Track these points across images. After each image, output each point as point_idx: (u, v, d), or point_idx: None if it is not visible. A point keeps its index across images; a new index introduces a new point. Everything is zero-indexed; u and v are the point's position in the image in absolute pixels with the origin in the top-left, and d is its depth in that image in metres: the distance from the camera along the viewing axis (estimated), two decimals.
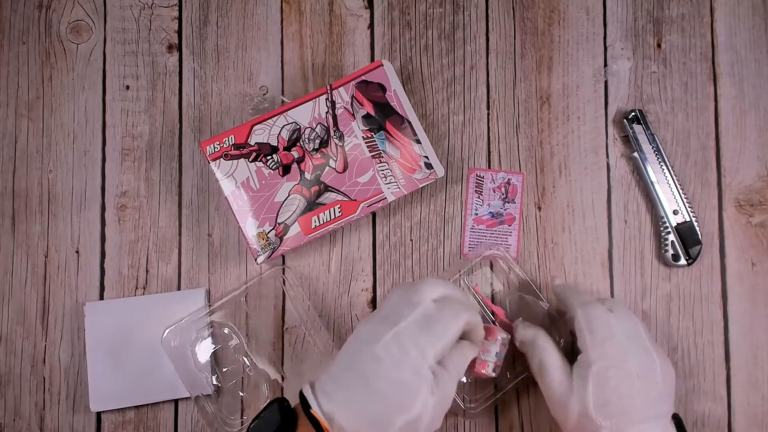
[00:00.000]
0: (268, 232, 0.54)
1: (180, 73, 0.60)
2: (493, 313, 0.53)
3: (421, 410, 0.36)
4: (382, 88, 0.55)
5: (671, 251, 0.56)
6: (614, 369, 0.41)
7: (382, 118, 0.54)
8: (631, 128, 0.57)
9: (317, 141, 0.54)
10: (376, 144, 0.54)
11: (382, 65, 0.55)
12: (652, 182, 0.56)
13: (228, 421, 0.55)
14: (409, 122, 0.54)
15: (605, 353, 0.41)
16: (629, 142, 0.57)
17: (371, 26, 0.60)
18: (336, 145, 0.54)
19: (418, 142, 0.54)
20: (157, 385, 0.55)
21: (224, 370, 0.56)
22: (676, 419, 0.43)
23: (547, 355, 0.44)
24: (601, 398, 0.40)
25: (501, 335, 0.47)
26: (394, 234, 0.58)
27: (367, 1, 0.60)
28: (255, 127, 0.54)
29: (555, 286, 0.51)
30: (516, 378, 0.53)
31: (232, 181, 0.54)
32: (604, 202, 0.58)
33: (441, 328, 0.38)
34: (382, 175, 0.54)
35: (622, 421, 0.40)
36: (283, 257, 0.58)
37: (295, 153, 0.54)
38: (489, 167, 0.58)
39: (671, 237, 0.56)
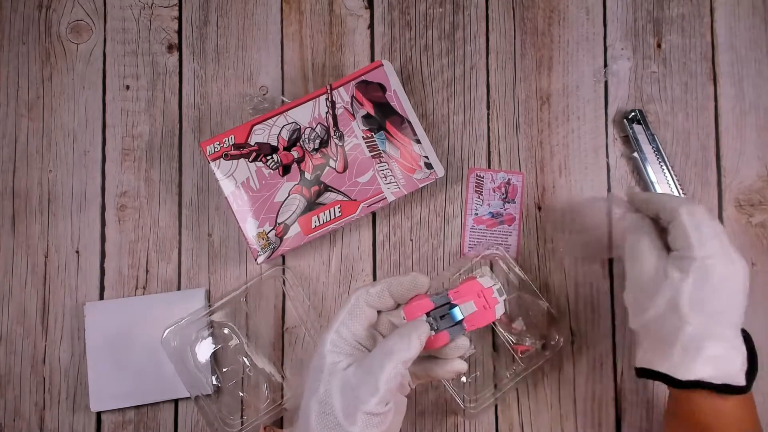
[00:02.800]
0: (268, 232, 0.54)
1: (180, 73, 0.60)
2: None
3: (323, 388, 0.35)
4: (382, 88, 0.55)
5: None
6: (720, 267, 0.39)
7: (382, 118, 0.54)
8: (631, 128, 0.57)
9: (317, 141, 0.54)
10: (376, 144, 0.54)
11: (382, 65, 0.55)
12: (652, 182, 0.56)
13: (228, 421, 0.55)
14: (409, 122, 0.54)
15: (712, 251, 0.39)
16: (629, 142, 0.57)
17: (371, 26, 0.60)
18: (336, 145, 0.54)
19: (418, 142, 0.54)
20: (157, 385, 0.55)
21: (224, 370, 0.56)
22: (744, 333, 0.41)
23: (648, 237, 0.42)
24: (699, 293, 0.38)
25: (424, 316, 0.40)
26: (394, 234, 0.58)
27: (367, 1, 0.60)
28: (255, 127, 0.54)
29: (637, 193, 0.47)
30: (516, 378, 0.53)
31: (232, 181, 0.54)
32: None
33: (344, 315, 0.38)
34: (382, 175, 0.54)
35: (712, 321, 0.38)
36: (283, 257, 0.58)
37: (295, 153, 0.54)
38: (489, 167, 0.58)
39: None
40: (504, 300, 0.39)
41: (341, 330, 0.37)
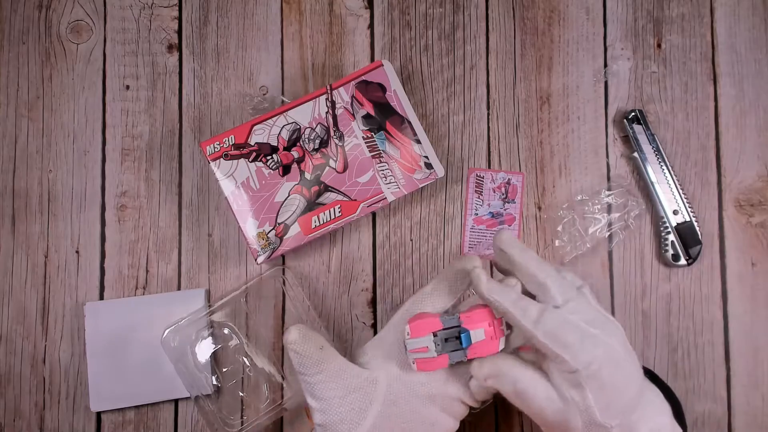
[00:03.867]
0: (268, 232, 0.54)
1: (180, 73, 0.60)
2: None
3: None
4: (382, 88, 0.55)
5: (671, 251, 0.56)
6: (604, 366, 0.36)
7: (382, 118, 0.54)
8: (631, 128, 0.57)
9: (317, 141, 0.54)
10: (376, 144, 0.54)
11: (382, 65, 0.55)
12: (652, 182, 0.56)
13: (228, 421, 0.55)
14: (409, 122, 0.54)
15: (587, 357, 0.35)
16: (629, 142, 0.57)
17: (371, 26, 0.60)
18: (336, 145, 0.54)
19: (418, 142, 0.54)
20: (157, 385, 0.55)
21: (224, 370, 0.56)
22: (649, 373, 0.41)
23: (521, 379, 0.37)
24: (603, 400, 0.36)
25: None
26: (394, 234, 0.58)
27: (367, 1, 0.60)
28: (255, 127, 0.54)
29: (485, 293, 0.37)
30: None
31: (232, 181, 0.54)
32: None
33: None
34: (382, 175, 0.54)
35: (626, 412, 0.37)
36: (283, 257, 0.58)
37: (295, 153, 0.54)
38: (489, 167, 0.58)
39: (671, 237, 0.56)
40: (508, 335, 0.38)
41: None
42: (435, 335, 0.36)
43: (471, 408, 0.53)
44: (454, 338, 0.37)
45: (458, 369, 0.39)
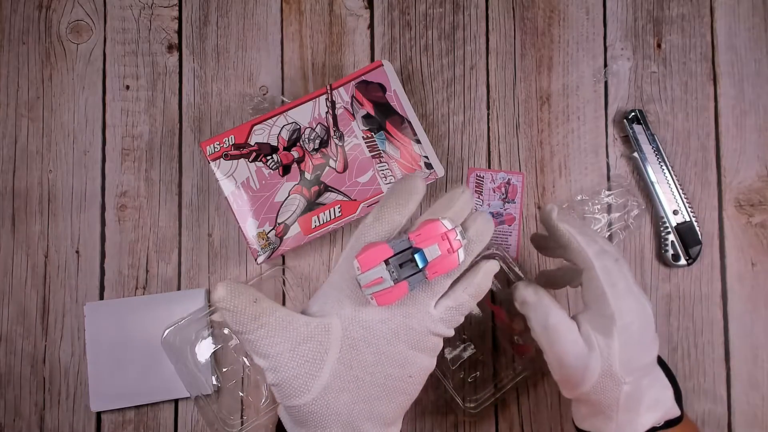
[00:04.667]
0: (268, 232, 0.54)
1: (180, 73, 0.60)
2: (492, 313, 0.53)
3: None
4: (382, 88, 0.55)
5: (671, 251, 0.56)
6: (636, 323, 0.38)
7: (382, 118, 0.54)
8: (631, 128, 0.57)
9: (317, 141, 0.54)
10: (376, 144, 0.54)
11: (382, 65, 0.55)
12: (652, 182, 0.56)
13: (228, 421, 0.55)
14: (409, 122, 0.54)
15: (627, 307, 0.38)
16: (629, 142, 0.57)
17: (371, 26, 0.60)
18: (336, 145, 0.54)
19: (418, 142, 0.54)
20: (157, 385, 0.55)
21: (224, 370, 0.56)
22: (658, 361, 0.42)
23: (555, 314, 0.39)
24: (626, 354, 0.38)
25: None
26: None
27: (367, 1, 0.60)
28: (255, 127, 0.54)
29: (556, 221, 0.40)
30: (516, 378, 0.53)
31: (232, 181, 0.54)
32: None
33: None
34: (382, 175, 0.54)
35: (639, 373, 0.38)
36: (283, 257, 0.58)
37: (295, 153, 0.54)
38: (489, 167, 0.58)
39: (671, 237, 0.56)
40: (466, 244, 0.35)
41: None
42: (387, 263, 0.33)
43: (469, 409, 0.53)
44: (409, 261, 0.33)
45: (418, 298, 0.35)
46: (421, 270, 0.33)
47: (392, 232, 0.35)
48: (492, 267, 0.37)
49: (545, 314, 0.39)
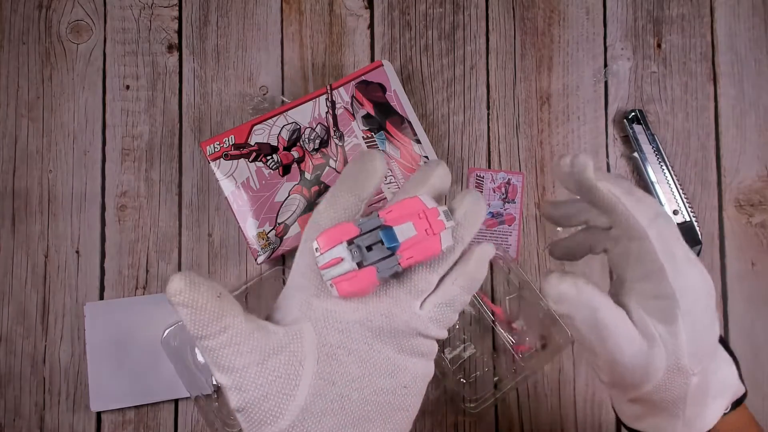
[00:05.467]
0: (268, 232, 0.54)
1: (180, 73, 0.60)
2: (492, 313, 0.53)
3: None
4: (382, 88, 0.55)
5: None
6: (701, 300, 0.31)
7: (382, 118, 0.54)
8: (631, 128, 0.57)
9: (317, 141, 0.54)
10: (376, 144, 0.54)
11: (382, 65, 0.55)
12: (652, 182, 0.56)
13: (228, 421, 0.55)
14: (409, 122, 0.54)
15: (691, 282, 0.30)
16: (629, 142, 0.57)
17: (371, 26, 0.60)
18: (336, 145, 0.54)
19: (418, 142, 0.54)
20: (157, 385, 0.55)
21: None
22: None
23: (603, 307, 0.31)
24: (695, 340, 0.31)
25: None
26: None
27: (367, 1, 0.60)
28: (255, 127, 0.54)
29: (594, 179, 0.32)
30: (516, 378, 0.53)
31: (232, 181, 0.54)
32: None
33: None
34: None
35: (707, 359, 0.32)
36: (283, 257, 0.58)
37: (295, 153, 0.54)
38: (489, 167, 0.58)
39: None
40: (452, 228, 0.28)
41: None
42: (350, 243, 0.26)
43: (469, 409, 0.53)
44: (378, 243, 0.26)
45: (398, 296, 0.28)
46: (391, 254, 0.26)
47: (349, 219, 0.29)
48: (486, 251, 0.30)
49: (592, 310, 0.30)
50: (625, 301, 0.32)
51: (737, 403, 0.34)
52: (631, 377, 0.31)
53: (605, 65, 0.59)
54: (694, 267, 0.31)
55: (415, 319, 0.29)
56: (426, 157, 0.54)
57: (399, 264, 0.26)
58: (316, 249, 0.27)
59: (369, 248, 0.26)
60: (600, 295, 0.31)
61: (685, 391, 0.31)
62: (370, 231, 0.27)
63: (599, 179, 0.31)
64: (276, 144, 0.54)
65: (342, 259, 0.26)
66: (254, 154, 0.54)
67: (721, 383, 0.33)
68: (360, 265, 0.26)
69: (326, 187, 0.54)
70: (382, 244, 0.26)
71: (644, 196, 0.31)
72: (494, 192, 0.58)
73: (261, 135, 0.54)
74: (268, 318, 0.29)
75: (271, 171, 0.54)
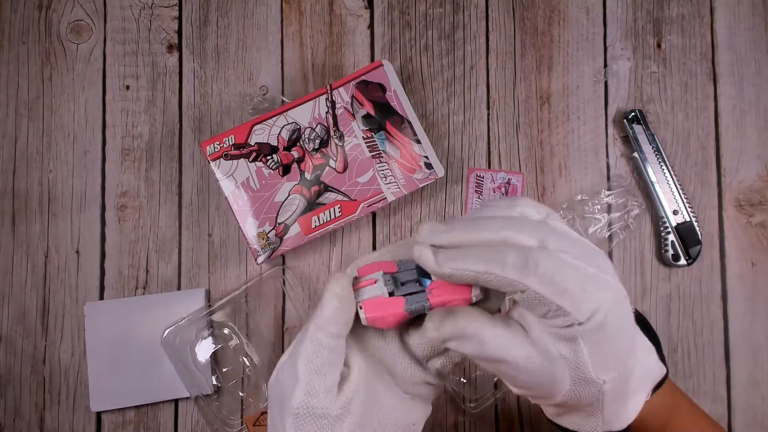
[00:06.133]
0: (268, 232, 0.54)
1: (180, 73, 0.60)
2: None
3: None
4: (382, 88, 0.55)
5: (671, 251, 0.56)
6: (610, 311, 0.28)
7: (382, 118, 0.54)
8: (631, 128, 0.57)
9: (317, 141, 0.54)
10: (376, 144, 0.54)
11: (382, 65, 0.55)
12: (652, 182, 0.56)
13: (228, 421, 0.55)
14: (409, 122, 0.54)
15: (590, 303, 0.28)
16: (629, 142, 0.57)
17: (371, 26, 0.60)
18: (336, 145, 0.54)
19: (418, 142, 0.54)
20: (157, 385, 0.55)
21: (224, 370, 0.56)
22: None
23: (489, 340, 0.28)
24: (602, 354, 0.29)
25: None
26: (394, 234, 0.58)
27: (367, 1, 0.60)
28: (255, 127, 0.54)
29: (439, 265, 0.28)
30: None
31: (232, 181, 0.54)
32: None
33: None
34: (382, 175, 0.54)
35: (621, 365, 0.30)
36: (283, 257, 0.58)
37: (295, 153, 0.54)
38: (489, 167, 0.58)
39: (671, 237, 0.56)
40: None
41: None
42: (386, 273, 0.29)
43: (469, 409, 0.53)
44: (413, 282, 0.28)
45: (409, 344, 0.31)
46: (423, 290, 0.28)
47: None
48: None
49: (478, 345, 0.28)
50: (525, 319, 0.29)
51: (658, 386, 0.33)
52: (539, 391, 0.30)
53: (605, 65, 0.59)
54: (592, 286, 0.28)
55: (420, 369, 0.32)
56: (426, 157, 0.54)
57: (428, 300, 0.28)
58: (356, 278, 0.29)
59: (403, 284, 0.29)
60: (487, 327, 0.28)
61: (598, 398, 0.30)
62: (408, 270, 0.29)
63: (444, 263, 0.27)
64: (276, 144, 0.54)
65: (375, 281, 0.28)
66: (254, 154, 0.54)
67: (642, 377, 0.32)
68: (391, 294, 0.28)
69: (326, 187, 0.54)
70: (418, 283, 0.29)
71: (503, 250, 0.27)
72: (494, 192, 0.58)
73: (261, 135, 0.54)
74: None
75: (271, 171, 0.54)
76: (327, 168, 0.54)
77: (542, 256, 0.27)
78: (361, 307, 0.28)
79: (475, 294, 0.28)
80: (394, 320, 0.28)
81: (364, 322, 0.28)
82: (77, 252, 0.58)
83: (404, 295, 0.28)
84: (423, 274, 0.29)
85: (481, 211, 0.30)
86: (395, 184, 0.54)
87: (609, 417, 0.32)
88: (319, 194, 0.54)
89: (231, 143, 0.54)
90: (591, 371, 0.29)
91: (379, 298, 0.28)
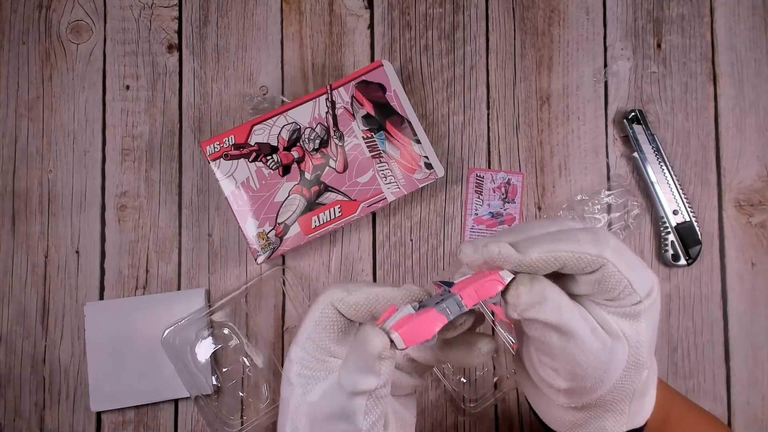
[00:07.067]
0: (268, 232, 0.54)
1: (180, 73, 0.60)
2: (492, 313, 0.53)
3: (289, 428, 0.31)
4: (382, 88, 0.55)
5: (671, 251, 0.56)
6: (653, 298, 0.30)
7: (382, 118, 0.54)
8: (631, 128, 0.57)
9: (317, 141, 0.54)
10: (376, 144, 0.54)
11: (382, 65, 0.55)
12: (651, 182, 0.56)
13: (228, 421, 0.55)
14: (409, 122, 0.54)
15: (648, 278, 0.29)
16: (629, 142, 0.57)
17: (371, 26, 0.60)
18: (336, 145, 0.54)
19: (418, 142, 0.54)
20: (157, 385, 0.55)
21: (224, 370, 0.56)
22: None
23: (566, 306, 0.28)
24: (650, 338, 0.30)
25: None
26: (394, 234, 0.58)
27: (367, 1, 0.60)
28: (255, 127, 0.54)
29: (521, 258, 0.28)
30: (516, 378, 0.53)
31: (232, 181, 0.54)
32: None
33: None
34: (382, 175, 0.54)
35: (652, 352, 0.31)
36: (283, 257, 0.58)
37: (295, 153, 0.54)
38: (489, 167, 0.58)
39: (671, 237, 0.56)
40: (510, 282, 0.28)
41: (308, 346, 0.30)
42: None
43: (469, 409, 0.53)
44: (434, 298, 0.28)
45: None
46: (451, 295, 0.27)
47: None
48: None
49: (557, 310, 0.28)
50: (579, 300, 0.30)
51: None
52: (593, 375, 0.30)
53: (605, 65, 0.59)
54: (643, 266, 0.30)
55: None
56: (426, 157, 0.54)
57: (462, 301, 0.27)
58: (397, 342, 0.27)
59: (424, 305, 0.27)
60: (564, 295, 0.29)
61: (635, 388, 0.31)
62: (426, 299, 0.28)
63: (525, 251, 0.28)
64: (276, 144, 0.54)
65: (396, 309, 0.27)
66: (254, 154, 0.54)
67: (656, 369, 0.33)
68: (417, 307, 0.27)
69: (326, 187, 0.54)
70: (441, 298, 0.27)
71: (573, 230, 0.29)
72: (494, 192, 0.58)
73: (261, 135, 0.54)
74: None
75: (271, 171, 0.54)
76: (327, 168, 0.54)
77: (605, 231, 0.29)
78: (393, 332, 0.26)
79: (508, 279, 0.27)
80: (431, 329, 0.26)
81: (400, 346, 0.26)
82: (77, 252, 0.58)
83: (433, 305, 0.26)
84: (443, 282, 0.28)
85: (521, 227, 0.31)
86: (395, 184, 0.54)
87: (633, 412, 0.32)
88: (319, 194, 0.54)
89: (231, 143, 0.54)
90: (645, 354, 0.30)
91: (407, 317, 0.26)
